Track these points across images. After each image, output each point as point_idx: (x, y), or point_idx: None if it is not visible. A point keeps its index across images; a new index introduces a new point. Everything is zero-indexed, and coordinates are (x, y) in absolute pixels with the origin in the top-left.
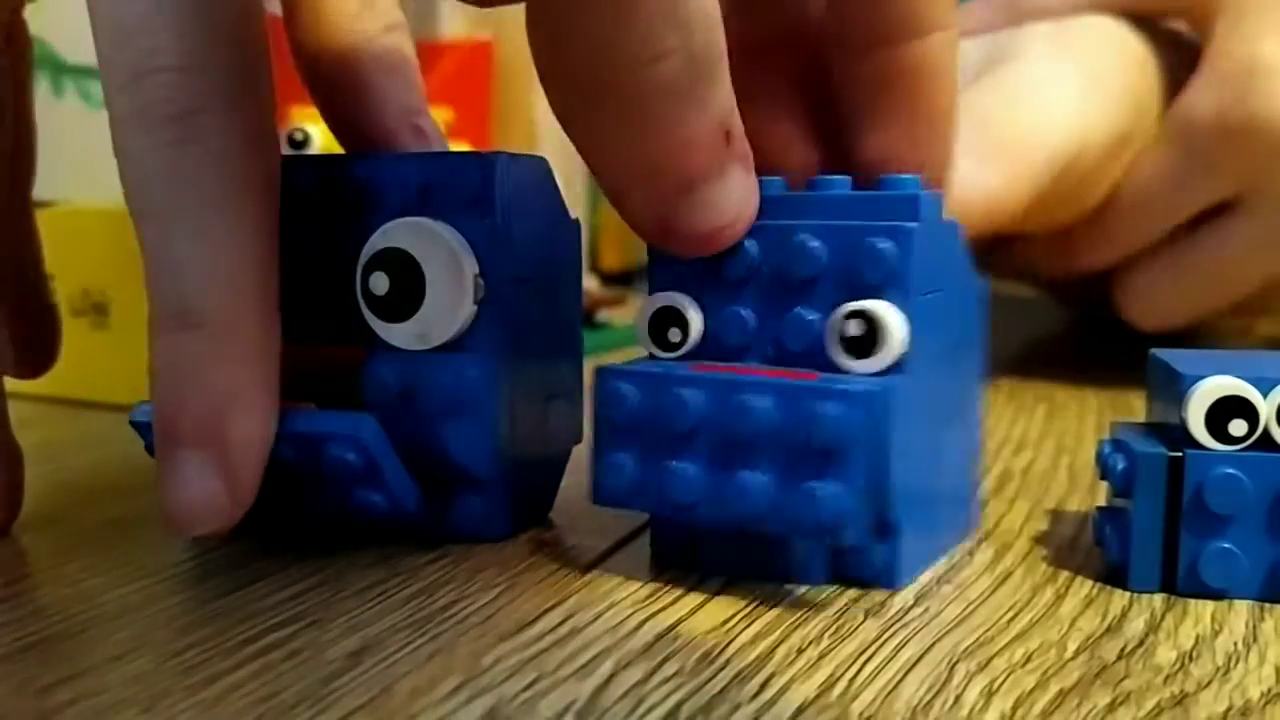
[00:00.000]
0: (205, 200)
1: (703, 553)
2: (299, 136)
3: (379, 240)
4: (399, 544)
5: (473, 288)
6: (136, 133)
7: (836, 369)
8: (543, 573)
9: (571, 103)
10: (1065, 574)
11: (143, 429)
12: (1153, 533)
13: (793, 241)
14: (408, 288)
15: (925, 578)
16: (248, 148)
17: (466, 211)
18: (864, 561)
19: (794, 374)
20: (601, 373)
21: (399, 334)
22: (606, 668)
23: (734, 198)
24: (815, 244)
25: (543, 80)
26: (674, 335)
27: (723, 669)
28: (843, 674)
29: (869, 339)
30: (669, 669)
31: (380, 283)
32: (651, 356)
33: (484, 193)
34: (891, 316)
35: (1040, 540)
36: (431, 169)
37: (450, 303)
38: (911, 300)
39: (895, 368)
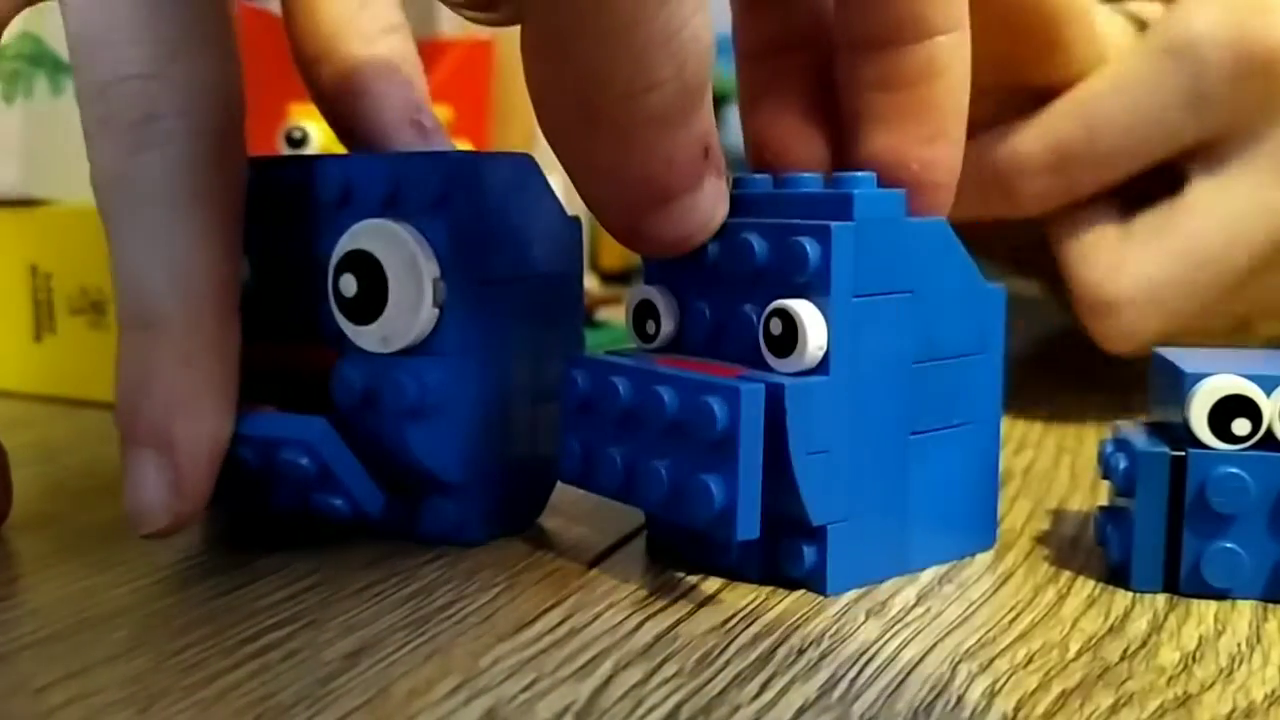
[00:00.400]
0: (165, 205)
1: (649, 539)
2: (297, 135)
3: (347, 242)
4: (396, 544)
5: (432, 290)
6: (101, 140)
7: (768, 367)
8: (541, 572)
9: (561, 124)
10: (1067, 574)
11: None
12: (1155, 532)
13: (738, 239)
14: (373, 290)
15: (926, 578)
16: (209, 153)
17: (430, 212)
18: (794, 563)
19: (715, 369)
20: (567, 359)
21: (366, 336)
22: (606, 668)
23: (705, 206)
24: (756, 241)
25: (534, 100)
26: (649, 328)
27: (723, 670)
28: (844, 675)
29: (788, 338)
30: (668, 670)
31: (349, 284)
32: (638, 348)
33: (446, 193)
34: (809, 316)
35: (1042, 540)
36: (399, 170)
37: (410, 305)
38: (837, 301)
39: (819, 368)
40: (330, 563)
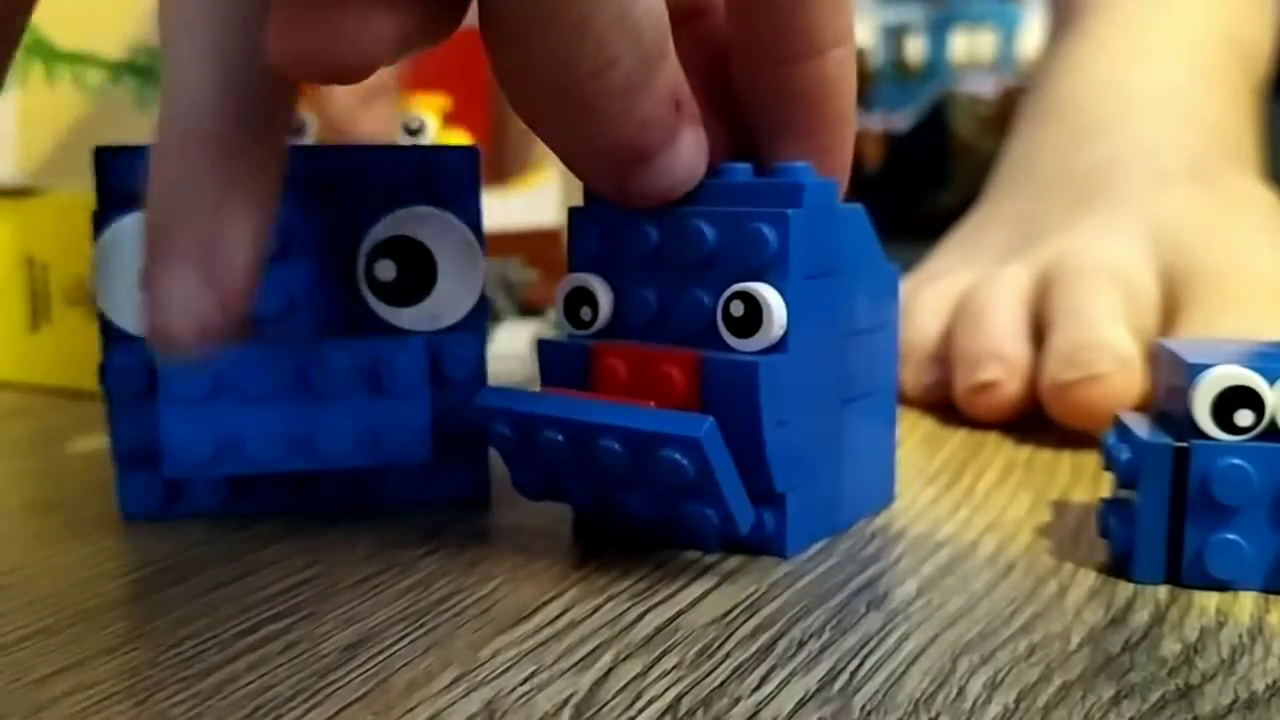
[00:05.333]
0: (215, 26)
1: (603, 512)
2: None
3: (385, 229)
4: (392, 536)
5: (482, 272)
6: None
7: (727, 347)
8: (540, 565)
9: (532, 105)
10: (1069, 566)
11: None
12: (1158, 523)
13: (687, 226)
14: (418, 273)
15: (928, 570)
16: None
17: (452, 200)
18: (755, 530)
19: (662, 359)
20: (479, 412)
21: (408, 317)
22: (605, 660)
23: (686, 157)
24: (706, 228)
25: (501, 84)
26: (585, 314)
27: (723, 662)
28: (844, 667)
29: (751, 319)
30: (668, 662)
31: (388, 269)
32: (569, 335)
33: (470, 183)
34: (771, 298)
35: (1044, 532)
36: (419, 161)
37: (465, 287)
38: (793, 283)
39: (777, 346)
40: (328, 555)
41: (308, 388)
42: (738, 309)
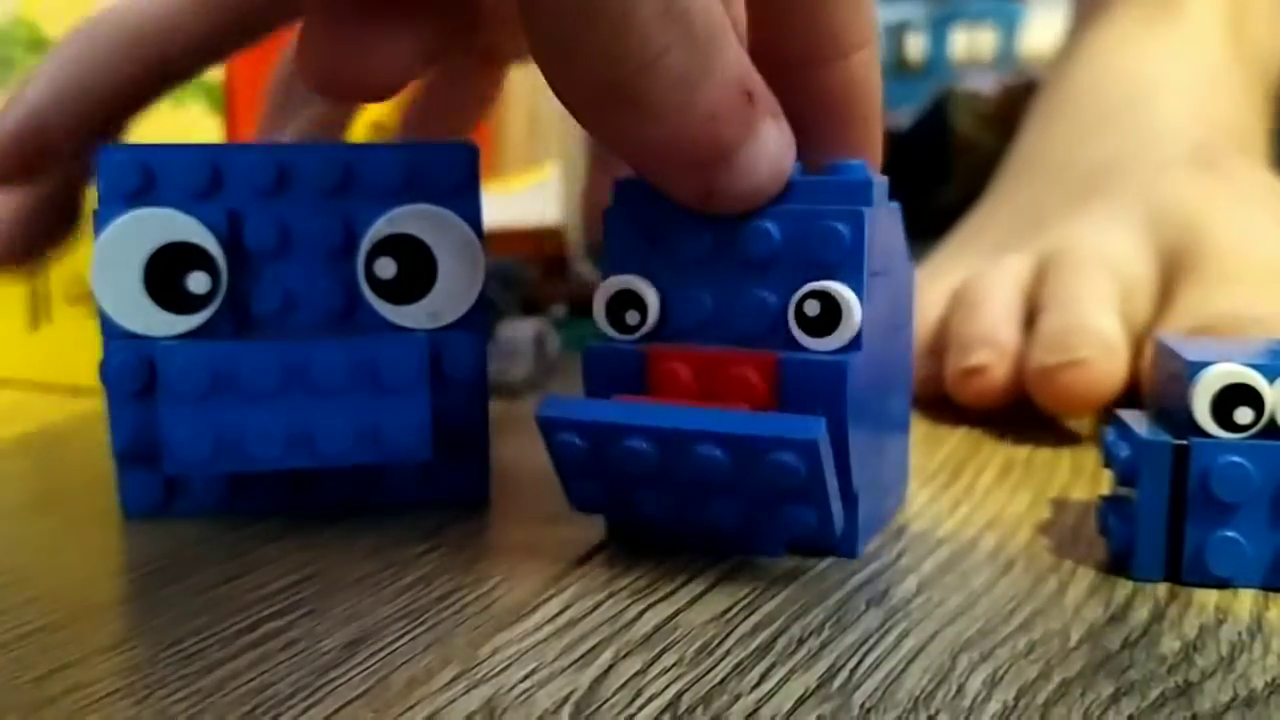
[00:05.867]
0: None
1: (656, 525)
2: None
3: (385, 227)
4: (392, 534)
5: (483, 269)
6: None
7: (798, 346)
8: (540, 562)
9: (589, 110)
10: (1069, 563)
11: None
12: (1157, 521)
13: (748, 225)
14: (417, 271)
15: (928, 567)
16: None
17: (451, 198)
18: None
19: (730, 360)
20: (545, 423)
21: (408, 315)
22: (606, 658)
23: (769, 152)
24: (770, 227)
25: (556, 94)
26: (632, 318)
27: (723, 659)
28: (844, 664)
29: (827, 318)
30: (668, 659)
31: (388, 267)
32: (609, 339)
33: (469, 181)
34: (850, 297)
35: (1043, 529)
36: (418, 158)
37: (465, 284)
38: (864, 280)
39: (851, 344)
40: (328, 553)
41: (307, 385)
42: (813, 308)
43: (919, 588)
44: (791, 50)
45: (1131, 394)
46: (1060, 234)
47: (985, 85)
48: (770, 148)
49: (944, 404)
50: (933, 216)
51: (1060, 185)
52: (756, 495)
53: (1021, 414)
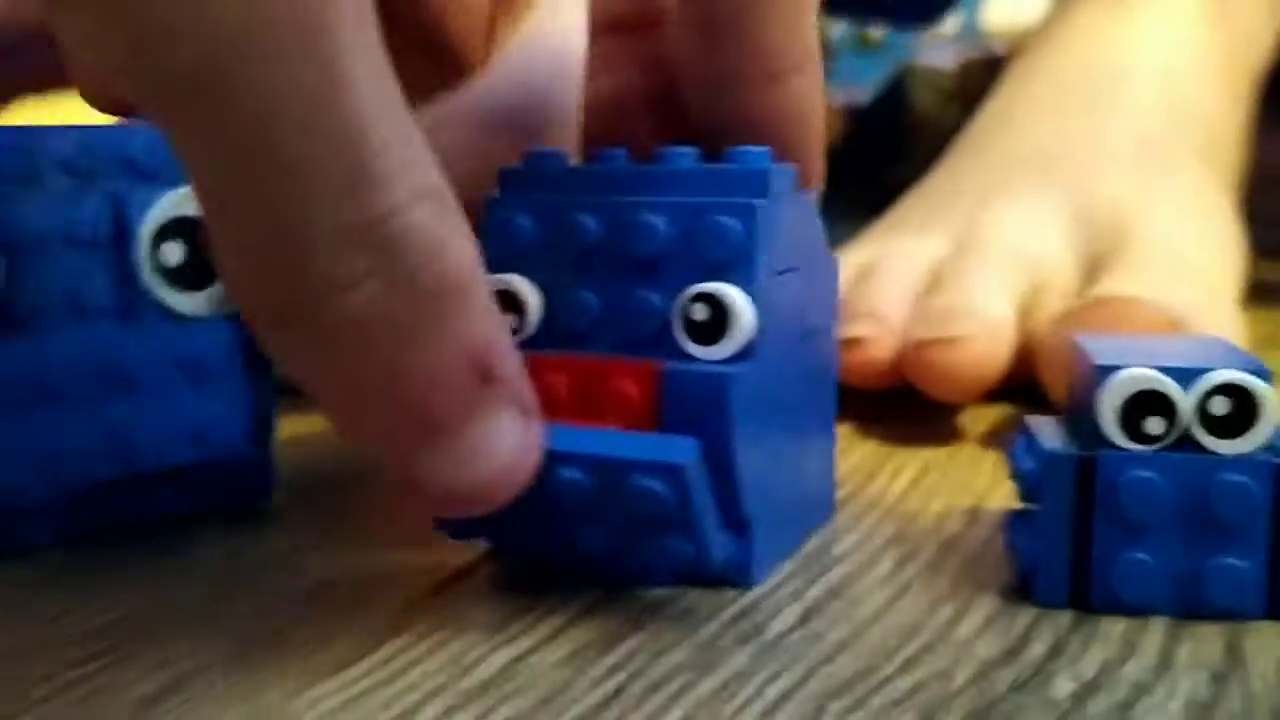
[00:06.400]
0: None
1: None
2: None
3: (168, 210)
4: (244, 559)
5: None
6: None
7: (685, 355)
8: (392, 592)
9: (279, 338)
10: (970, 587)
11: None
12: (1061, 541)
13: (634, 219)
14: (204, 256)
15: (815, 593)
16: None
17: None
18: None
19: (613, 370)
20: None
21: (194, 302)
22: (430, 712)
23: (499, 447)
24: (657, 221)
25: (239, 304)
26: (511, 322)
27: (563, 711)
28: (698, 716)
29: (715, 324)
30: (503, 712)
31: (174, 252)
32: None
33: None
34: (739, 299)
35: (950, 546)
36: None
37: None
38: (760, 281)
39: (744, 354)
40: (161, 587)
41: (115, 387)
42: (700, 312)
43: (801, 618)
44: (722, 71)
45: (1030, 391)
46: (984, 218)
47: (945, 60)
48: (504, 441)
49: (867, 400)
50: (891, 194)
51: (1001, 169)
52: (625, 524)
53: (947, 410)
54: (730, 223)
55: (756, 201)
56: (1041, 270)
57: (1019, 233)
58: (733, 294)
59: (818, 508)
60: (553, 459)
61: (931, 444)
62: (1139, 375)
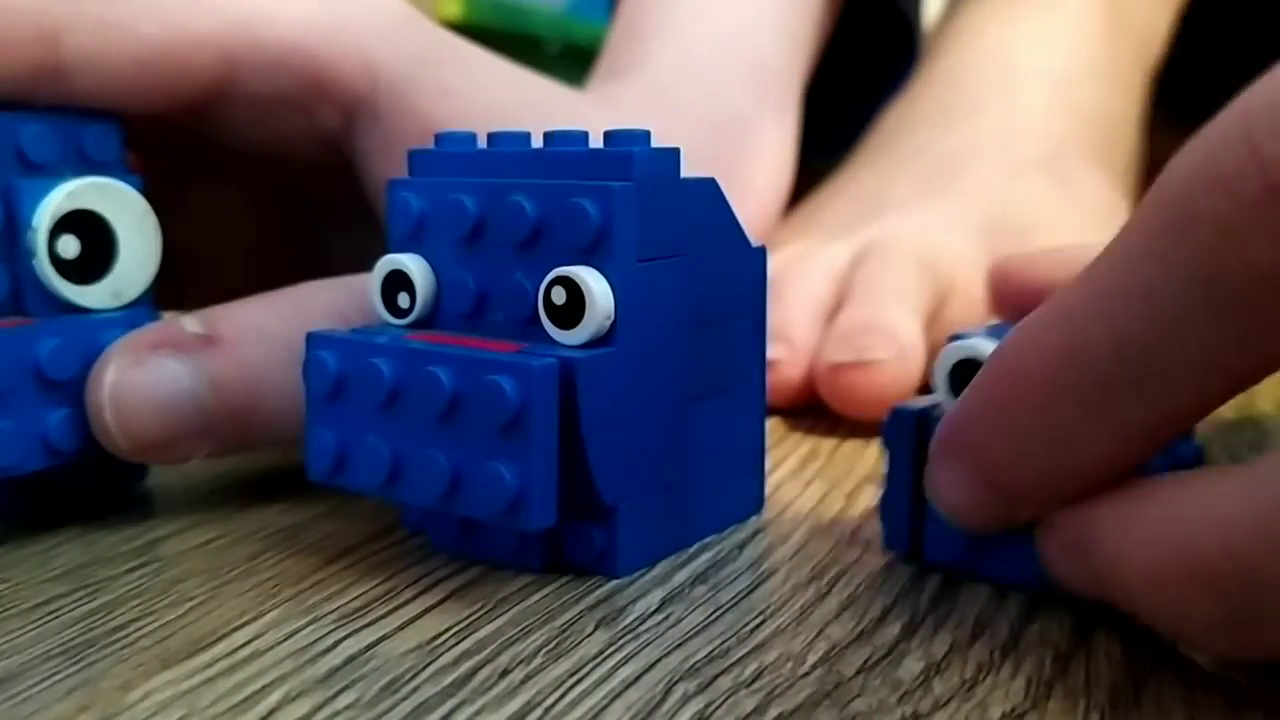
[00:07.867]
0: None
1: (431, 533)
2: None
3: (65, 202)
4: (107, 547)
5: (159, 245)
6: None
7: (550, 340)
8: (254, 579)
9: None
10: (836, 569)
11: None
12: (902, 493)
13: (506, 201)
14: (99, 248)
15: (680, 577)
16: None
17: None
18: (581, 548)
19: (489, 346)
20: (309, 339)
21: (92, 295)
22: (272, 700)
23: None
24: (526, 203)
25: None
26: (403, 300)
27: (406, 699)
28: (543, 701)
29: (573, 308)
30: (344, 700)
31: (70, 245)
32: (385, 325)
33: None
34: (594, 283)
35: (823, 531)
36: (67, 130)
37: (143, 259)
38: (621, 266)
39: (606, 339)
40: (16, 573)
41: (47, 380)
42: (559, 296)
43: (662, 603)
44: None
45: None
46: (891, 223)
47: None
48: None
49: None
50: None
51: (908, 173)
52: (466, 436)
53: (807, 402)
54: (588, 205)
55: (616, 185)
56: (950, 281)
57: (931, 241)
58: (588, 277)
59: (736, 502)
60: (425, 358)
61: (816, 433)
62: (965, 345)
